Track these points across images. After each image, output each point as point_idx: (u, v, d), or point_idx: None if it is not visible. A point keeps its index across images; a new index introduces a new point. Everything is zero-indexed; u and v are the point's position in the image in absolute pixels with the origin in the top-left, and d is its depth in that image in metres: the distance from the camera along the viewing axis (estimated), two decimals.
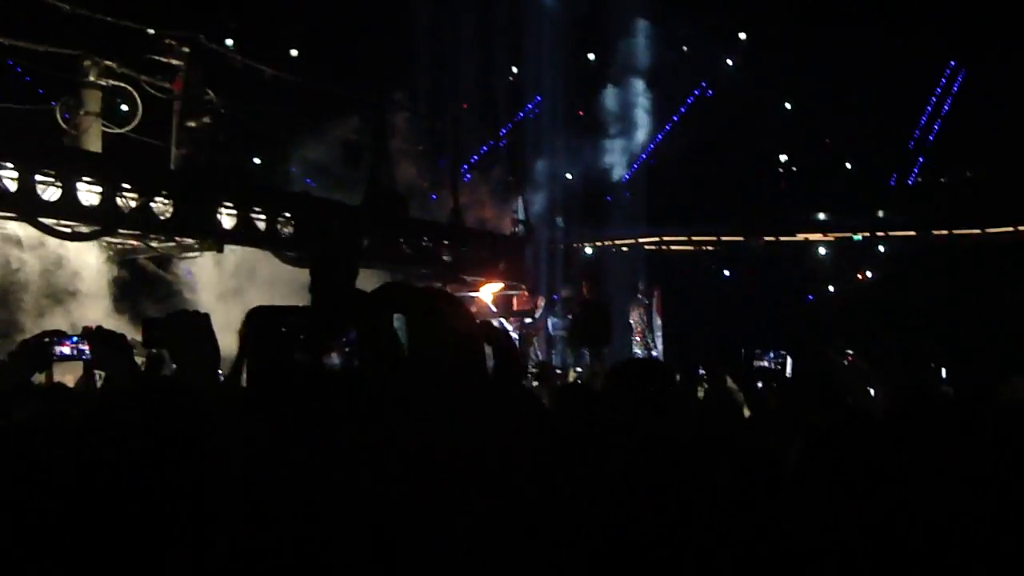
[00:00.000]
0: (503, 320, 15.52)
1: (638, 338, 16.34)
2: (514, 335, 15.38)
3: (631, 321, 16.47)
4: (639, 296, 16.85)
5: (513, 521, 2.28)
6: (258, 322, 2.98)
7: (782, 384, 6.63)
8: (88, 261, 10.88)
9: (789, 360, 9.64)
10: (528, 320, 16.03)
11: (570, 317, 15.53)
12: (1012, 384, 4.94)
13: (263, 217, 11.66)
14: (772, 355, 9.64)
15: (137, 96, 11.21)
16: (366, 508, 2.17)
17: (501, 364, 2.61)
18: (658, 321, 16.85)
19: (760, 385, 6.02)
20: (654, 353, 16.20)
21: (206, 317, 3.17)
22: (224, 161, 12.17)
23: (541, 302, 16.44)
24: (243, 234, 11.43)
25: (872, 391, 8.37)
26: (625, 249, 23.30)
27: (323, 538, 2.14)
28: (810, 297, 24.12)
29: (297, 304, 3.25)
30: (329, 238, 11.63)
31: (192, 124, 11.58)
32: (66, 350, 6.03)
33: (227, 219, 11.32)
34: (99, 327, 3.70)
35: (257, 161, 15.69)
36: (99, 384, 5.27)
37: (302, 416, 2.41)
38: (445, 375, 2.37)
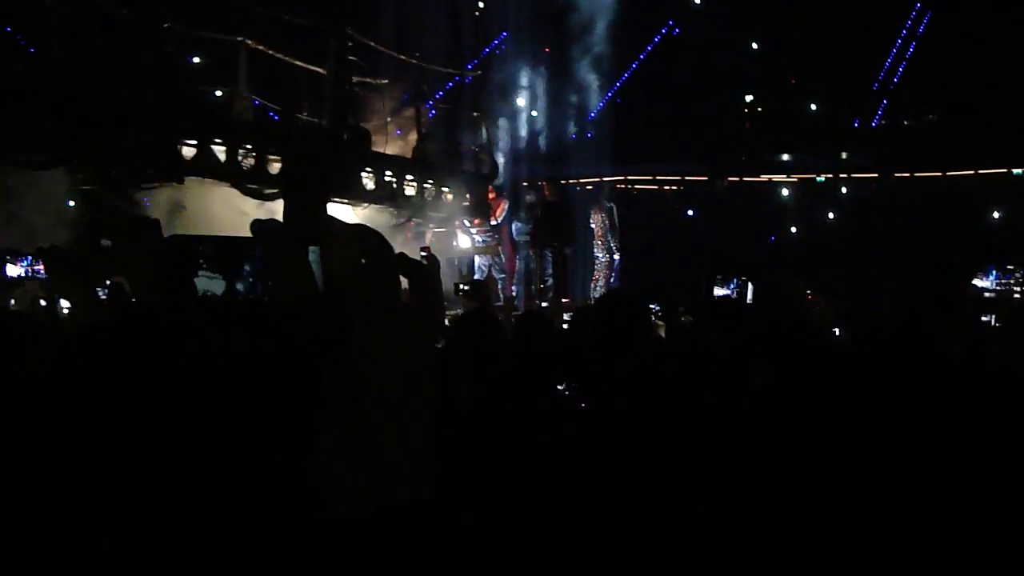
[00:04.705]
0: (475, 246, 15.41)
1: (599, 241, 16.25)
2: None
3: (592, 224, 16.38)
4: (602, 200, 16.73)
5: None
6: (172, 250, 2.92)
7: (742, 312, 6.67)
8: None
9: (750, 287, 9.58)
10: (493, 223, 15.80)
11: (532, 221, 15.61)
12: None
13: (223, 149, 11.53)
14: (734, 283, 9.60)
15: None
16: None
17: (416, 299, 2.64)
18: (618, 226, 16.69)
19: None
20: (615, 257, 16.20)
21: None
22: (184, 92, 11.96)
23: (504, 206, 16.31)
24: (203, 166, 11.32)
25: (836, 330, 8.43)
26: (590, 188, 23.26)
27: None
28: (772, 238, 24.25)
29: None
30: (296, 163, 11.50)
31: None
32: (19, 271, 5.96)
33: (186, 150, 11.19)
34: (53, 246, 3.67)
35: (219, 93, 15.41)
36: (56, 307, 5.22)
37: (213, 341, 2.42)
38: (356, 310, 2.39)
